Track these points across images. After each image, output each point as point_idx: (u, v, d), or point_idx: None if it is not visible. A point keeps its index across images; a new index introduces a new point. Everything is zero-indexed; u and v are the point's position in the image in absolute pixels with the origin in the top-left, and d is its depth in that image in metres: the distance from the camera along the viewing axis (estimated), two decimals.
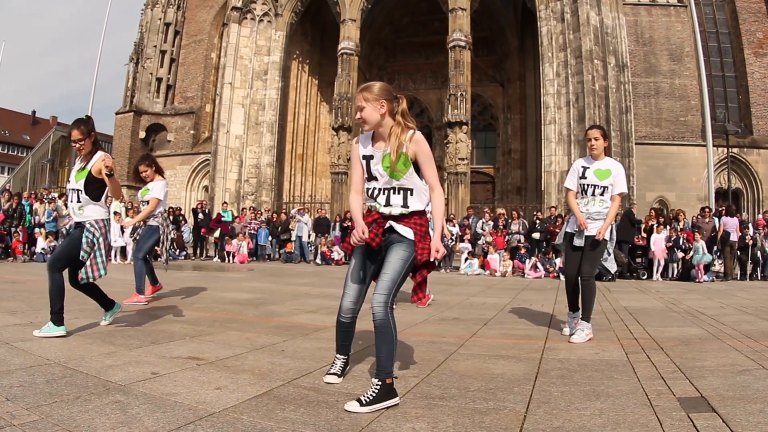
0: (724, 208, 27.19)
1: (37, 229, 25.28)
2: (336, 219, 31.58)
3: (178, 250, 29.65)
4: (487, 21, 45.04)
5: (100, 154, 7.43)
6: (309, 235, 30.82)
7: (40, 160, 59.95)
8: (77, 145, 7.37)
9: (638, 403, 4.76)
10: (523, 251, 25.11)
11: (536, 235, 25.67)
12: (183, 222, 31.64)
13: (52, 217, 25.74)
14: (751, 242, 24.08)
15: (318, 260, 29.41)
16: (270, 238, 31.32)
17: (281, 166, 43.00)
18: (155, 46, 48.84)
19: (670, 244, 23.02)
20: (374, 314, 4.96)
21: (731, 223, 24.03)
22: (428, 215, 5.25)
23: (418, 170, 5.07)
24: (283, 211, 34.88)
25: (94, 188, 7.42)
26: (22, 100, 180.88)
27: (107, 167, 7.21)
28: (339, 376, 5.38)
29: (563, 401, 4.85)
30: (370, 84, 5.14)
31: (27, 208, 26.15)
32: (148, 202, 11.68)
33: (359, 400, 4.55)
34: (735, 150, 36.42)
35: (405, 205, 5.05)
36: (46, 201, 27.22)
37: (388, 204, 5.07)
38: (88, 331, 7.58)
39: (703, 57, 32.30)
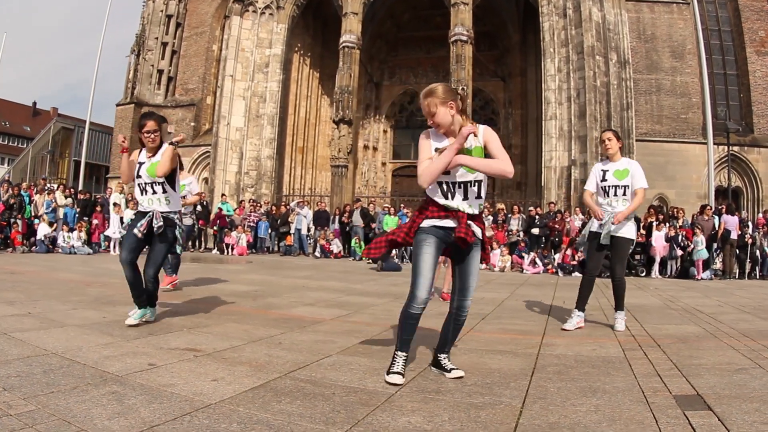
0: (724, 206, 27.20)
1: (36, 220, 25.26)
2: (335, 212, 31.73)
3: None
4: (489, 16, 44.92)
5: (167, 145, 7.67)
6: (308, 228, 31.00)
7: (40, 151, 59.93)
8: (151, 137, 7.58)
9: (634, 400, 4.77)
10: (521, 246, 25.16)
11: (535, 231, 25.69)
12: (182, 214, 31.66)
13: (50, 208, 25.73)
14: (750, 241, 24.11)
15: (317, 253, 29.51)
16: (269, 231, 31.39)
17: (281, 159, 42.90)
18: (157, 38, 48.75)
19: (668, 244, 23.05)
20: (462, 316, 5.49)
21: (732, 222, 24.09)
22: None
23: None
24: (283, 203, 34.93)
25: (173, 178, 7.69)
26: (23, 91, 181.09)
27: (181, 139, 7.79)
28: (403, 375, 5.22)
29: (559, 397, 4.86)
30: (434, 87, 5.25)
31: (26, 199, 26.15)
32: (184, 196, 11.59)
33: (455, 368, 5.40)
34: (735, 148, 36.41)
35: (479, 196, 5.26)
36: (45, 192, 27.17)
37: (465, 197, 5.21)
38: (86, 322, 7.57)
39: (705, 55, 32.28)
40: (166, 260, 11.17)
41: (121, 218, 25.42)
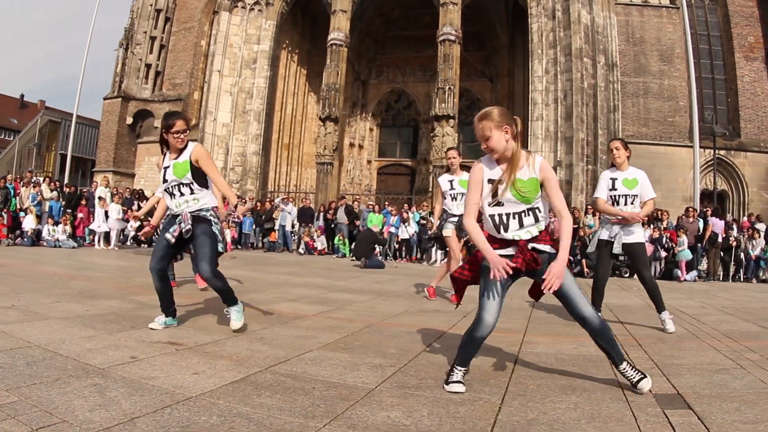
0: (709, 209, 27.35)
1: (22, 213, 25.19)
2: (320, 209, 31.75)
3: None
4: (478, 16, 45.07)
5: (193, 144, 7.38)
6: (293, 225, 30.98)
7: (27, 144, 59.66)
8: (181, 137, 7.19)
9: (614, 398, 4.82)
10: (495, 246, 25.25)
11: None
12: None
13: (36, 201, 25.68)
14: (735, 243, 24.23)
15: (301, 250, 29.55)
16: (254, 227, 31.36)
17: (267, 155, 43.08)
18: (145, 32, 48.55)
19: (652, 245, 23.13)
20: (593, 323, 5.10)
21: (718, 225, 24.25)
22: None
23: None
24: (268, 199, 34.90)
25: (200, 175, 7.28)
26: (10, 83, 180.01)
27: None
28: (463, 384, 5.02)
29: (539, 394, 4.91)
30: (490, 111, 5.12)
31: (11, 192, 26.07)
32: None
33: (643, 378, 4.98)
34: (722, 152, 36.60)
35: (537, 220, 5.15)
36: (31, 185, 27.10)
37: (521, 226, 5.11)
38: (69, 315, 7.58)
39: (693, 59, 32.36)
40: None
41: (106, 212, 25.40)
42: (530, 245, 5.06)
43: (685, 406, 4.62)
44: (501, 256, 5.02)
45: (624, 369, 5.11)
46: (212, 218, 7.25)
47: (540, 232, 5.15)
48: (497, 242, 5.13)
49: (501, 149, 5.02)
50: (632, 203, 8.87)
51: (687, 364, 6.26)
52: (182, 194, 7.23)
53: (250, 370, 5.22)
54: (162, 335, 6.63)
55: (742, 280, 24.41)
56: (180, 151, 7.24)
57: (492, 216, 5.11)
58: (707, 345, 7.53)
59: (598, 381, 5.43)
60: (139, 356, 5.49)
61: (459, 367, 5.16)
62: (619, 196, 8.93)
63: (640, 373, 5.04)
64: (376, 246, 23.74)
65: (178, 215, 7.26)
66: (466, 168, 11.25)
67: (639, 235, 8.97)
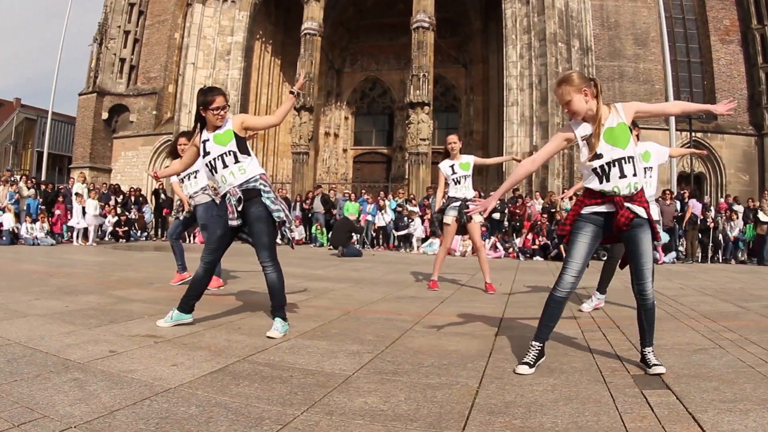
0: (687, 191, 27.47)
1: (0, 212, 25.09)
2: (296, 199, 31.81)
3: (139, 231, 29.67)
4: (452, 3, 44.86)
5: (231, 117, 7.03)
6: None
7: (3, 142, 59.35)
8: (221, 113, 6.85)
9: (592, 380, 4.84)
10: (483, 231, 25.31)
11: (496, 216, 25.78)
12: (144, 203, 31.61)
13: (14, 199, 25.56)
14: (713, 225, 24.38)
15: (278, 240, 29.36)
16: None
17: None
18: (119, 27, 48.40)
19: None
20: (647, 300, 5.25)
21: (698, 207, 24.41)
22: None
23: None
24: None
25: (243, 144, 6.93)
26: None
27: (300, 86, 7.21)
28: (532, 366, 5.13)
29: (516, 377, 4.93)
30: (568, 75, 5.33)
31: None
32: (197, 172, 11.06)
33: (657, 365, 5.05)
34: (699, 134, 36.88)
35: (635, 173, 5.16)
36: (8, 183, 26.97)
37: (622, 175, 5.12)
38: (48, 311, 7.53)
39: (669, 42, 32.54)
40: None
41: (83, 208, 25.37)
42: (627, 205, 5.10)
43: (663, 386, 4.64)
44: (596, 212, 5.22)
45: (647, 352, 5.25)
46: (263, 187, 6.87)
47: (637, 191, 5.18)
48: (597, 197, 5.23)
49: (582, 110, 5.20)
50: (649, 176, 9.09)
51: (665, 345, 6.27)
52: (225, 165, 6.83)
53: (228, 360, 5.23)
54: (141, 328, 6.59)
55: (720, 261, 24.59)
56: (217, 128, 6.94)
57: (594, 169, 5.20)
58: (686, 326, 7.58)
59: (576, 363, 5.46)
60: (118, 350, 5.48)
61: (534, 343, 5.31)
62: None
63: (658, 362, 5.12)
64: (353, 234, 23.82)
65: (225, 195, 6.86)
66: (442, 154, 11.28)
67: (653, 211, 8.94)
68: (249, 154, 6.94)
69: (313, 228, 29.70)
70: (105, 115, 46.92)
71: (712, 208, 26.15)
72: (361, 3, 49.05)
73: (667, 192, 25.14)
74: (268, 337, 6.36)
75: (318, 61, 40.07)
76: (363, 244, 27.47)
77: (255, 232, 6.83)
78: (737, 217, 25.04)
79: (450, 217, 11.45)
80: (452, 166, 11.59)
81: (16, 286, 10.38)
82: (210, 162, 6.90)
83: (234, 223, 6.73)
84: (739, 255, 25.07)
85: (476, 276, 14.45)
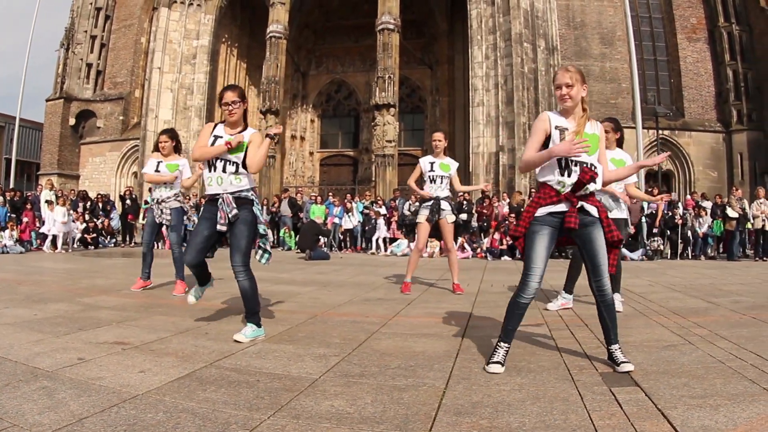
0: (654, 188, 27.67)
1: None
2: (263, 203, 31.59)
3: (108, 237, 29.54)
4: (417, 4, 45.07)
5: (253, 131, 7.07)
6: None
7: None
8: (230, 108, 6.90)
9: (560, 378, 4.88)
10: None
11: (464, 216, 25.82)
12: (111, 209, 31.47)
13: None
14: (681, 222, 24.53)
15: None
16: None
17: None
18: (86, 31, 48.07)
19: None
20: (606, 297, 5.42)
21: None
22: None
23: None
24: None
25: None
26: None
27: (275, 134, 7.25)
28: (502, 364, 5.24)
29: (483, 377, 4.96)
30: (575, 67, 5.58)
31: None
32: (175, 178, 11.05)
33: (622, 362, 5.14)
34: (666, 132, 37.06)
35: (594, 180, 5.38)
36: None
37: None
38: (17, 320, 7.51)
39: (635, 41, 32.59)
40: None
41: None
42: (581, 203, 5.34)
43: (632, 383, 4.68)
44: (551, 213, 5.37)
45: (614, 349, 5.34)
46: (254, 198, 7.00)
47: (593, 193, 5.46)
48: (551, 196, 5.37)
49: (577, 100, 5.42)
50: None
51: (634, 342, 6.33)
52: (225, 171, 6.91)
53: (195, 366, 5.23)
54: (108, 335, 6.57)
55: (690, 257, 24.72)
56: (235, 126, 7.05)
57: (559, 159, 5.34)
58: (654, 322, 7.65)
59: (543, 362, 5.49)
60: (86, 357, 5.47)
61: (502, 344, 5.40)
62: None
63: (626, 359, 5.21)
64: (320, 237, 23.83)
65: (216, 198, 6.95)
66: (409, 155, 11.25)
67: (619, 212, 9.17)
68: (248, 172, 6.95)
69: (281, 232, 29.66)
70: (72, 121, 46.63)
71: (680, 204, 26.29)
72: (326, 5, 49.07)
73: None
74: (235, 340, 6.39)
75: (283, 64, 40.16)
76: (330, 247, 27.49)
77: (236, 233, 6.84)
78: (705, 214, 25.22)
79: (422, 217, 11.37)
80: (432, 164, 11.47)
81: None
82: (211, 160, 6.94)
83: (222, 228, 6.81)
84: (709, 251, 25.25)
85: (444, 276, 14.48)
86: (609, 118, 9.85)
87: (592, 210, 5.39)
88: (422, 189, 11.62)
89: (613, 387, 4.55)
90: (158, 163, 11.18)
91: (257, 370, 5.16)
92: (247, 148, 6.86)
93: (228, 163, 6.85)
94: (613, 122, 9.46)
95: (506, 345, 5.38)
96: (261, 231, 7.03)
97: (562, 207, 5.32)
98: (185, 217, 11.65)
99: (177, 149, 11.38)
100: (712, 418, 3.85)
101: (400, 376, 4.99)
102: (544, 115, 5.52)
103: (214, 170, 6.91)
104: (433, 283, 12.97)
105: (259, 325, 6.72)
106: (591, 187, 5.35)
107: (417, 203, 11.38)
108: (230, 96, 6.89)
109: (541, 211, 5.37)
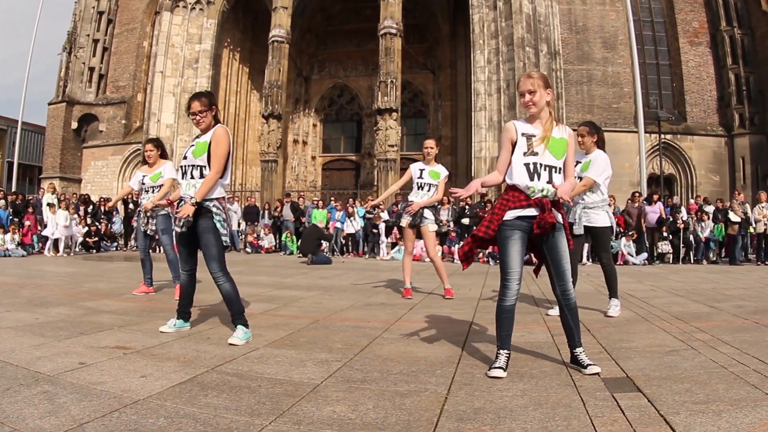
0: (656, 194, 27.65)
1: None
2: (265, 207, 31.74)
3: (110, 241, 29.52)
4: (419, 8, 45.14)
5: (217, 126, 7.10)
6: (239, 224, 31.08)
7: None
8: (197, 118, 6.99)
9: (562, 384, 4.85)
10: (452, 236, 25.35)
11: (465, 221, 25.80)
12: (114, 213, 31.45)
13: None
14: (682, 226, 24.49)
15: (248, 249, 29.52)
16: None
17: None
18: (88, 35, 48.14)
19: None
20: (570, 300, 5.53)
21: (650, 209, 24.70)
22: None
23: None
24: None
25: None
26: None
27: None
28: (504, 369, 5.27)
29: (485, 383, 4.93)
30: (539, 72, 5.83)
31: None
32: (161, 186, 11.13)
33: (586, 365, 5.23)
34: (669, 136, 37.02)
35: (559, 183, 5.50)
36: None
37: (550, 180, 5.46)
38: (19, 323, 7.50)
39: (637, 45, 32.63)
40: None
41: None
42: (552, 209, 5.42)
43: (634, 389, 4.65)
44: (522, 216, 5.44)
45: (578, 352, 5.41)
46: (214, 209, 6.96)
47: (558, 200, 5.51)
48: (521, 201, 5.45)
49: (541, 106, 5.52)
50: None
51: (636, 347, 6.31)
52: (192, 177, 7.06)
53: (197, 371, 5.22)
54: (110, 340, 6.56)
55: (692, 262, 24.66)
56: (208, 132, 7.07)
57: (527, 164, 5.46)
58: (657, 327, 7.60)
59: (546, 367, 5.47)
60: (88, 362, 5.45)
61: (502, 351, 5.42)
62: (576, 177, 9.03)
63: (591, 361, 5.30)
64: (322, 242, 23.78)
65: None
66: (411, 160, 11.24)
67: (603, 219, 9.14)
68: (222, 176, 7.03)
69: (283, 236, 29.62)
70: (74, 125, 46.67)
71: (682, 209, 26.24)
72: (329, 9, 49.13)
73: (636, 194, 25.24)
74: (230, 344, 6.43)
75: (286, 69, 40.14)
76: (332, 252, 27.47)
77: (204, 243, 7.01)
78: (708, 218, 25.17)
79: (405, 221, 11.39)
80: (422, 171, 11.42)
81: None
82: (183, 166, 7.12)
83: (177, 229, 6.89)
84: (711, 255, 25.19)
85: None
86: (586, 122, 9.88)
87: (558, 216, 5.50)
88: (409, 194, 11.76)
89: (615, 393, 4.52)
90: (143, 177, 11.33)
91: (259, 375, 5.14)
92: (209, 146, 6.94)
93: (194, 168, 7.05)
94: (589, 125, 9.45)
95: (506, 351, 5.40)
96: (224, 241, 7.06)
97: (531, 211, 5.42)
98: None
99: (164, 155, 11.48)
100: (715, 424, 3.82)
101: (402, 381, 4.97)
102: (510, 125, 5.66)
103: (185, 178, 7.13)
104: (434, 289, 12.88)
105: (247, 326, 6.85)
106: (553, 191, 5.44)
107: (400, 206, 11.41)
108: (196, 106, 6.98)
109: (509, 215, 5.46)
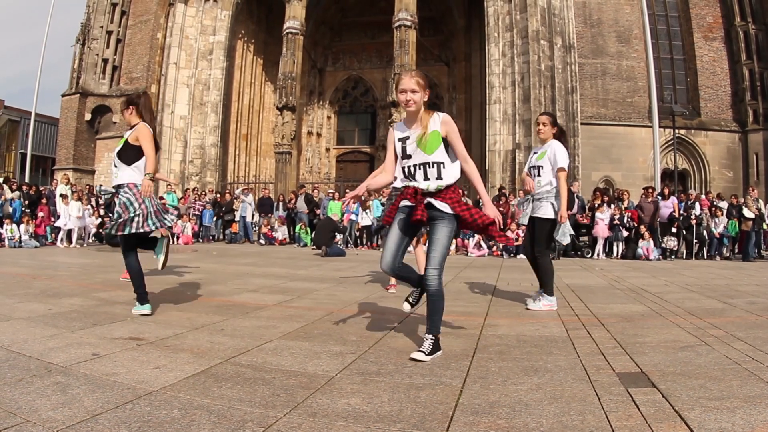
0: (667, 189, 27.48)
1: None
2: (279, 198, 31.71)
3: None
4: (434, 1, 45.10)
5: (140, 125, 7.91)
6: (253, 216, 31.10)
7: None
8: (125, 114, 8.14)
9: (577, 378, 4.84)
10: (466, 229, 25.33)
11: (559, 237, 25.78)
12: None
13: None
14: (695, 222, 24.40)
15: (261, 240, 29.66)
16: (214, 219, 31.42)
17: (225, 147, 42.98)
18: (102, 27, 48.06)
19: (617, 222, 23.29)
20: (429, 286, 5.63)
21: (664, 204, 24.55)
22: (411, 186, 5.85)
23: (446, 150, 5.77)
24: (227, 191, 34.79)
25: (128, 155, 7.93)
26: None
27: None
28: (411, 304, 6.13)
29: (500, 376, 4.92)
30: (419, 72, 5.98)
31: None
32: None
33: (422, 352, 5.48)
34: (682, 131, 36.92)
35: (439, 177, 5.71)
36: None
37: (426, 178, 5.72)
38: (32, 314, 7.52)
39: (652, 39, 32.49)
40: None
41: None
42: (427, 200, 5.70)
43: (649, 384, 4.63)
44: (404, 206, 5.89)
45: (426, 338, 5.69)
46: (121, 191, 7.90)
47: (441, 189, 5.73)
48: (406, 195, 5.85)
49: (419, 105, 5.74)
50: (538, 174, 9.08)
51: (650, 343, 6.28)
52: (116, 166, 7.94)
53: (210, 362, 5.22)
54: (123, 331, 6.58)
55: (705, 257, 24.58)
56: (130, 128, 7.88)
57: (403, 168, 5.88)
58: (671, 323, 7.57)
59: (560, 362, 5.44)
60: (101, 353, 5.45)
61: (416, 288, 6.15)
62: (531, 167, 9.25)
63: (437, 347, 5.67)
64: (336, 234, 23.76)
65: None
66: None
67: (545, 211, 9.01)
68: (128, 164, 7.88)
69: (297, 228, 29.59)
70: (88, 116, 46.60)
71: (696, 204, 26.13)
72: (343, 1, 49.05)
73: (650, 189, 25.16)
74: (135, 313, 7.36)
75: (300, 60, 40.06)
76: (346, 244, 27.44)
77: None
78: (721, 214, 25.07)
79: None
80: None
81: None
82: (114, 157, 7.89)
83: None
84: (724, 251, 25.10)
85: (460, 274, 14.48)
86: (545, 113, 9.91)
87: (443, 207, 5.67)
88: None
89: (630, 388, 4.50)
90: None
91: (273, 367, 5.13)
92: (126, 141, 7.97)
93: (115, 159, 8.10)
94: (552, 117, 9.32)
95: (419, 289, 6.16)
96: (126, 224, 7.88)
97: (409, 203, 5.81)
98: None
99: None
100: (729, 420, 3.81)
101: (417, 374, 4.96)
102: (390, 132, 6.06)
103: (113, 168, 8.09)
104: (449, 281, 12.85)
105: (147, 299, 7.92)
106: (434, 184, 5.70)
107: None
108: (122, 104, 8.19)
109: (402, 203, 5.90)
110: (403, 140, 5.83)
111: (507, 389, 4.54)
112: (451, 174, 5.76)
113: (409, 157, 5.78)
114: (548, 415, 3.94)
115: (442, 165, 5.73)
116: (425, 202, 5.69)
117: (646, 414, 3.92)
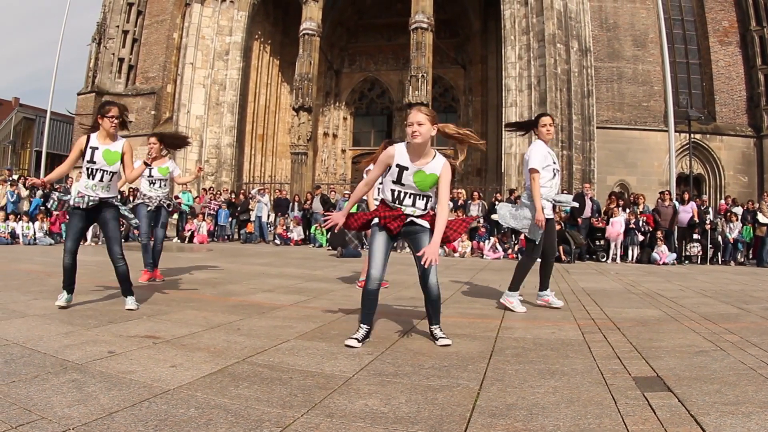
0: (686, 193, 27.39)
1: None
2: (295, 199, 31.71)
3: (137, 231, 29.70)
4: (450, 3, 44.97)
5: (123, 140, 8.32)
6: (268, 216, 31.05)
7: (1, 141, 59.25)
8: (115, 122, 8.18)
9: (593, 382, 4.83)
10: (482, 232, 25.31)
11: (495, 217, 25.77)
12: None
13: (14, 198, 25.52)
14: (710, 227, 24.33)
15: (277, 240, 29.55)
16: (230, 219, 31.46)
17: (241, 147, 43.01)
18: (118, 26, 48.27)
19: (632, 226, 23.24)
20: (431, 288, 6.42)
21: (683, 209, 24.49)
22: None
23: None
24: (242, 191, 34.82)
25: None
26: None
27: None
28: (360, 341, 6.07)
29: (517, 379, 4.92)
30: (429, 108, 6.49)
31: None
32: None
33: (444, 337, 6.23)
34: (698, 136, 36.74)
35: (425, 208, 6.32)
36: (8, 183, 26.93)
37: (414, 206, 6.27)
38: (47, 311, 7.54)
39: (668, 44, 32.40)
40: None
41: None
42: (410, 218, 6.29)
43: (665, 388, 4.62)
44: (387, 219, 6.28)
45: (434, 329, 6.43)
46: (119, 204, 8.41)
47: (425, 212, 6.35)
48: (387, 209, 6.33)
49: (426, 139, 6.07)
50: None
51: (666, 347, 6.26)
52: (101, 180, 8.03)
53: (227, 362, 5.21)
54: (139, 329, 6.58)
55: (720, 263, 24.50)
56: (111, 138, 8.11)
57: (393, 190, 6.28)
58: (686, 327, 7.54)
59: (577, 365, 5.43)
60: (117, 350, 5.46)
61: (363, 325, 6.33)
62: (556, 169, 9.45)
63: (443, 335, 6.33)
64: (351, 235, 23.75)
65: (85, 196, 8.00)
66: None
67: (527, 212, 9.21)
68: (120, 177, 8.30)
69: (312, 228, 29.55)
70: None
71: (710, 209, 26.06)
72: (359, 3, 49.06)
73: (665, 193, 25.09)
74: (128, 309, 7.55)
75: (316, 62, 40.07)
76: (362, 245, 27.48)
77: (111, 228, 8.36)
78: (736, 219, 24.98)
79: None
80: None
81: (14, 285, 10.45)
82: (90, 168, 7.95)
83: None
84: (739, 257, 25.01)
85: (476, 277, 14.49)
86: (543, 114, 10.04)
87: (423, 223, 6.34)
88: None
89: (646, 392, 4.49)
90: (150, 169, 12.22)
91: (290, 367, 5.14)
92: (122, 158, 8.30)
93: (105, 173, 8.08)
94: (549, 117, 9.60)
95: (366, 326, 6.32)
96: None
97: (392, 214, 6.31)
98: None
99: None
100: (745, 425, 3.80)
101: (434, 376, 4.96)
102: (392, 149, 6.26)
103: (92, 179, 8.12)
104: (465, 283, 12.88)
105: (133, 294, 8.29)
106: (420, 212, 6.32)
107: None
108: (116, 111, 8.34)
109: (376, 220, 6.39)
110: (401, 168, 6.13)
111: (524, 392, 4.53)
112: (434, 203, 6.36)
113: (402, 184, 6.19)
114: (565, 418, 3.94)
115: (430, 197, 6.32)
116: (406, 220, 6.27)
117: (662, 418, 3.91)
